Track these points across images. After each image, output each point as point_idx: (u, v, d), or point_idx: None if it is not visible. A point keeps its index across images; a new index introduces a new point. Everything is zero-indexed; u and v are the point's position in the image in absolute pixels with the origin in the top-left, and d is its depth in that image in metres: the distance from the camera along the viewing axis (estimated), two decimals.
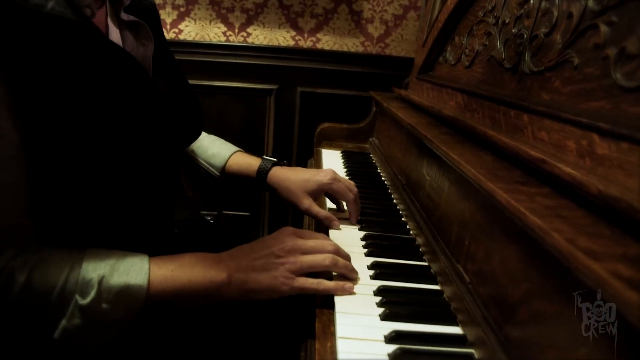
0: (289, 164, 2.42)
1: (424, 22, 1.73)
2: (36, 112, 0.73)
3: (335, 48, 2.38)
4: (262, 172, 1.18)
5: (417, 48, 1.74)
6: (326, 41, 2.38)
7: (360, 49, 2.38)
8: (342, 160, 1.64)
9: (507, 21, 1.05)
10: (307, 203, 1.10)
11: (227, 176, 1.23)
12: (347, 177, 1.44)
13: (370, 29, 2.37)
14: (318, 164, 1.63)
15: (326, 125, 1.90)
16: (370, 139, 1.89)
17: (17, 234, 0.75)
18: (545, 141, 0.75)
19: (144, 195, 0.93)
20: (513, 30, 1.00)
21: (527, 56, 0.92)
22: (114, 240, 0.84)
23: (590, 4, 0.74)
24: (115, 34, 0.95)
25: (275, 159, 1.21)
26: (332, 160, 1.63)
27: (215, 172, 1.22)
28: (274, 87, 2.37)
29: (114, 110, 0.80)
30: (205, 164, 1.23)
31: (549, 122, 0.75)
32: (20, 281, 0.72)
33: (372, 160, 1.68)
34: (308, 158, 1.94)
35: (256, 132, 2.43)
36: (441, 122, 1.16)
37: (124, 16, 0.96)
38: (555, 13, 0.84)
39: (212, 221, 2.46)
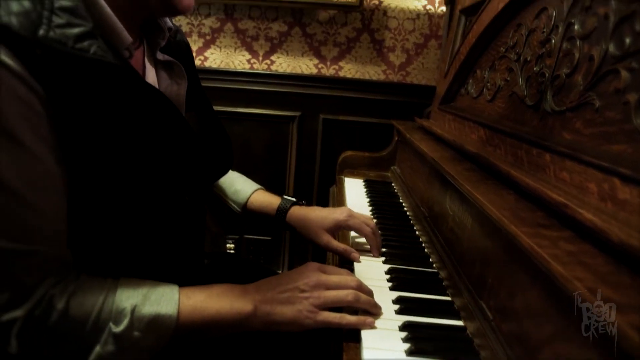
0: (311, 190, 2.47)
1: (446, 53, 1.76)
2: (77, 148, 0.77)
3: (357, 76, 2.42)
4: (282, 211, 1.22)
5: (439, 78, 1.77)
6: (348, 69, 2.42)
7: (382, 77, 2.42)
8: (365, 190, 1.66)
9: (528, 59, 1.07)
10: (326, 239, 1.14)
11: (248, 213, 1.27)
12: (369, 207, 1.47)
13: (392, 57, 2.40)
14: (341, 192, 1.65)
15: (349, 153, 1.93)
16: (392, 167, 1.91)
17: (57, 263, 0.79)
18: (567, 182, 0.77)
19: (175, 227, 0.97)
20: (535, 69, 1.02)
21: (549, 95, 0.94)
22: (146, 269, 0.88)
23: (611, 49, 0.76)
24: (151, 73, 1.00)
25: (294, 199, 1.25)
26: (355, 190, 1.66)
27: (237, 208, 1.27)
28: (297, 114, 2.41)
29: (149, 147, 0.85)
30: (229, 200, 1.27)
31: (571, 163, 0.77)
32: (59, 308, 0.76)
33: (394, 189, 1.70)
34: (330, 185, 1.97)
35: (279, 158, 2.47)
36: (463, 155, 1.18)
37: (160, 56, 1.01)
38: (577, 55, 0.86)
39: (233, 244, 2.50)
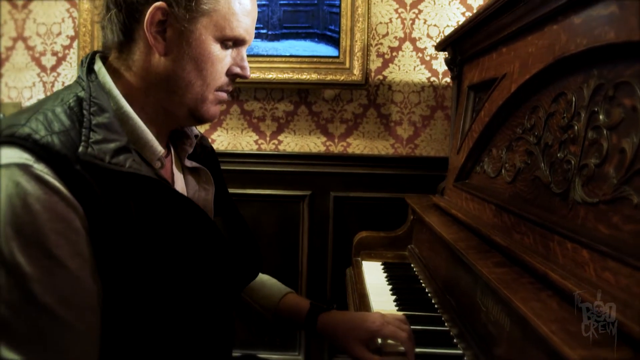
0: (325, 270, 2.41)
1: (456, 129, 1.75)
2: (112, 258, 0.80)
3: (366, 152, 2.41)
4: (311, 319, 1.18)
5: (451, 154, 1.74)
6: (357, 145, 2.41)
7: (391, 151, 2.41)
8: (385, 275, 1.61)
9: (550, 143, 1.04)
10: (359, 351, 1.09)
11: (278, 319, 1.22)
12: (393, 297, 1.41)
13: (400, 130, 2.40)
14: (360, 279, 1.60)
15: (364, 234, 1.89)
16: (409, 247, 1.86)
17: None
18: (612, 284, 0.72)
19: (204, 334, 0.96)
20: (558, 155, 0.99)
21: (577, 184, 0.90)
22: None
23: None
24: (180, 180, 1.04)
25: (324, 306, 1.21)
26: (374, 276, 1.60)
27: (267, 314, 1.22)
28: (307, 193, 2.39)
29: (180, 254, 0.88)
30: (257, 306, 1.23)
31: (614, 264, 0.73)
32: None
33: (415, 271, 1.65)
34: (345, 264, 1.92)
35: (291, 238, 2.42)
36: (488, 243, 1.13)
37: (188, 163, 1.06)
38: (605, 145, 0.83)
39: None
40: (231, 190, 2.32)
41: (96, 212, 0.78)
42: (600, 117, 0.86)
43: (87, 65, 0.92)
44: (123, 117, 0.88)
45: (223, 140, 2.47)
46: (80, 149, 0.77)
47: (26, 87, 2.58)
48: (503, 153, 1.30)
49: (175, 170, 1.04)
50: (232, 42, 0.96)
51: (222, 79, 0.97)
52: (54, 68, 2.56)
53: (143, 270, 0.83)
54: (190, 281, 0.89)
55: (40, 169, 0.74)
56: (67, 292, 0.75)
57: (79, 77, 0.92)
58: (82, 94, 0.86)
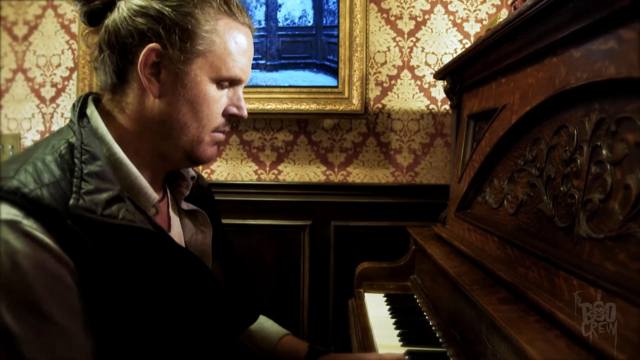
0: (326, 300, 2.38)
1: (456, 158, 1.74)
2: (105, 310, 0.78)
3: (366, 180, 2.40)
4: None
5: (452, 183, 1.73)
6: (357, 174, 2.41)
7: (391, 180, 2.40)
8: (387, 307, 1.59)
9: (552, 176, 1.03)
10: None
11: None
12: (396, 331, 1.39)
13: (400, 159, 2.40)
14: (362, 312, 1.58)
15: (365, 265, 1.87)
16: (412, 277, 1.84)
17: None
18: (621, 324, 0.71)
19: None
20: (561, 188, 0.98)
21: (582, 219, 0.89)
22: None
23: None
24: (176, 224, 1.02)
25: (322, 348, 1.19)
26: (377, 309, 1.58)
27: (264, 357, 1.20)
28: (308, 222, 2.37)
29: (175, 303, 0.86)
30: (254, 348, 1.21)
31: (623, 304, 0.71)
32: None
33: (418, 303, 1.63)
34: (347, 295, 1.89)
35: (291, 269, 2.40)
36: (492, 277, 1.12)
37: (184, 205, 1.03)
38: (609, 180, 0.82)
39: None
40: (231, 221, 2.33)
41: (88, 266, 0.75)
42: (603, 151, 0.85)
43: (79, 109, 0.90)
44: (116, 163, 0.86)
45: (223, 170, 2.47)
46: (71, 201, 0.75)
47: (25, 119, 2.58)
48: (505, 184, 1.30)
49: (171, 213, 1.02)
50: (229, 82, 0.95)
51: (219, 120, 0.95)
52: (53, 99, 2.57)
53: (137, 322, 0.81)
54: (186, 331, 0.87)
55: (29, 225, 0.72)
56: (58, 350, 0.73)
57: (70, 121, 0.90)
58: (73, 139, 0.83)
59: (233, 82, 0.96)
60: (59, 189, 0.76)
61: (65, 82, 2.55)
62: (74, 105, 0.92)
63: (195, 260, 0.91)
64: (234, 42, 0.93)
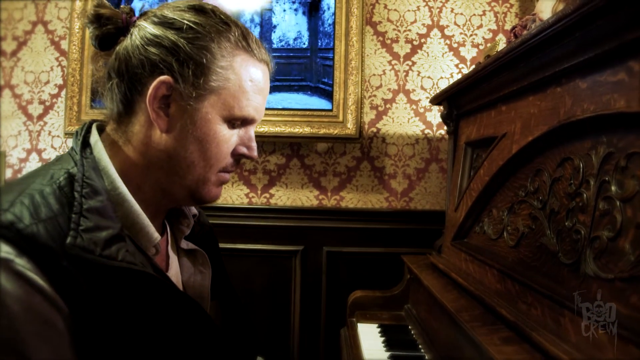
0: (318, 328, 2.32)
1: (453, 185, 1.71)
2: (97, 354, 0.72)
3: (359, 205, 2.36)
4: None
5: (449, 211, 1.69)
6: (350, 199, 2.36)
7: (385, 205, 2.36)
8: (382, 339, 1.53)
9: (556, 210, 1.00)
10: None
11: None
12: None
13: (394, 184, 2.36)
14: (356, 344, 1.52)
15: (359, 294, 1.82)
16: (406, 306, 1.79)
17: None
18: None
19: None
20: (566, 223, 0.94)
21: (589, 257, 0.85)
22: None
23: None
24: (174, 263, 0.99)
25: None
26: (371, 341, 1.52)
27: None
28: (299, 248, 2.32)
29: (170, 347, 0.81)
30: None
31: (638, 352, 0.67)
32: None
33: (413, 335, 1.57)
34: (338, 323, 1.84)
35: (282, 295, 2.34)
36: (493, 314, 1.07)
37: (184, 244, 0.99)
38: (619, 218, 0.79)
39: None
40: (221, 245, 2.24)
41: (82, 310, 0.70)
42: (612, 187, 0.81)
43: (82, 138, 0.86)
44: (118, 199, 0.82)
45: None
46: (69, 239, 0.70)
47: (11, 136, 2.53)
48: (504, 215, 1.26)
49: (170, 252, 0.98)
50: (241, 121, 0.91)
51: (227, 160, 0.91)
52: (40, 117, 2.52)
53: (129, 355, 0.76)
54: None
55: (22, 264, 0.66)
56: None
57: (72, 149, 0.85)
58: (74, 170, 0.79)
59: (245, 122, 0.92)
60: (56, 226, 0.70)
61: (54, 100, 2.50)
62: (77, 132, 0.88)
63: (195, 306, 0.87)
64: (249, 80, 0.89)
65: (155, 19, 0.87)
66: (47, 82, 2.50)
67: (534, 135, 1.10)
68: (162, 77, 0.83)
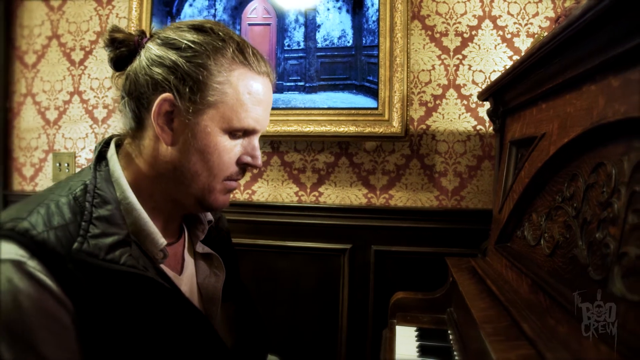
0: (365, 326, 2.29)
1: (499, 185, 1.63)
2: (102, 353, 0.79)
3: (408, 204, 2.31)
4: None
5: (494, 212, 1.62)
6: (399, 197, 2.31)
7: (435, 204, 2.29)
8: (417, 344, 1.49)
9: (588, 219, 0.92)
10: None
11: None
12: None
13: (444, 182, 2.28)
14: (390, 346, 1.49)
15: (400, 295, 1.78)
16: (449, 310, 1.73)
17: None
18: None
19: None
20: (597, 235, 0.87)
21: (616, 274, 0.78)
22: None
23: None
24: (190, 265, 1.06)
25: None
26: (406, 345, 1.48)
27: None
28: (348, 246, 2.30)
29: (168, 349, 0.86)
30: None
31: None
32: None
33: (451, 341, 1.52)
34: (383, 324, 1.80)
35: (331, 293, 2.32)
36: (519, 329, 1.01)
37: (199, 248, 1.05)
38: None
39: None
40: (271, 242, 2.30)
41: (86, 309, 0.78)
42: None
43: (98, 153, 0.95)
44: (127, 207, 0.89)
45: (264, 191, 2.43)
46: (75, 244, 0.78)
47: (80, 138, 2.67)
48: (543, 220, 1.18)
49: (186, 255, 1.05)
50: (242, 132, 0.95)
51: (232, 169, 0.96)
52: (104, 120, 2.64)
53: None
54: None
55: (33, 265, 0.75)
56: None
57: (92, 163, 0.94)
58: (89, 181, 0.87)
59: (247, 132, 0.97)
60: (66, 233, 0.79)
61: (116, 104, 2.63)
62: (95, 147, 0.97)
63: (193, 310, 0.93)
64: (247, 93, 0.93)
65: (159, 41, 0.93)
66: (110, 87, 2.62)
67: (569, 137, 1.03)
68: (164, 95, 0.89)
